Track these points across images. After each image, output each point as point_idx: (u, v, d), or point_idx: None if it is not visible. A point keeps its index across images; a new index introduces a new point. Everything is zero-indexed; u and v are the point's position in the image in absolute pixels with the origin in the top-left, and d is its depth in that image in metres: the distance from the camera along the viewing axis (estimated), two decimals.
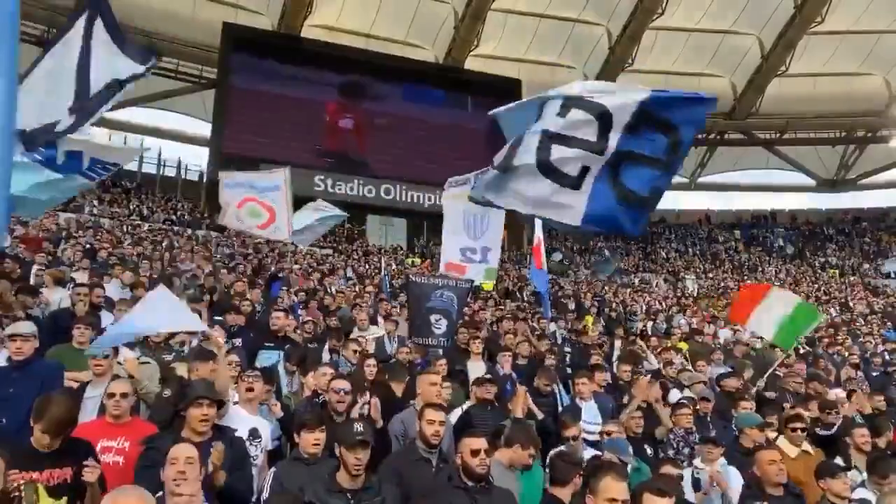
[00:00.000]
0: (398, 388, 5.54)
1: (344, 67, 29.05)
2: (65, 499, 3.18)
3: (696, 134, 4.44)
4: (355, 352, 6.40)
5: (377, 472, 3.62)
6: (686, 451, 5.21)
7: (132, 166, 29.82)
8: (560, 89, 4.43)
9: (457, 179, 9.15)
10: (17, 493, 2.87)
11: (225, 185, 9.68)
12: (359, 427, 3.35)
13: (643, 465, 4.69)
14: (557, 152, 4.26)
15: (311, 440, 3.69)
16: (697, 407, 5.92)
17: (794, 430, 5.06)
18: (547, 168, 4.30)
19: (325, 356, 6.67)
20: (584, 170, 4.28)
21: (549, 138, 4.26)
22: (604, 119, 4.15)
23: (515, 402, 5.14)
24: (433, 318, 7.35)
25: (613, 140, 4.14)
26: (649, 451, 5.24)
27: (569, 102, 4.25)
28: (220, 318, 7.38)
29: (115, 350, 4.71)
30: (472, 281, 8.53)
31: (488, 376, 5.65)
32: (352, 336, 7.39)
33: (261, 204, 9.32)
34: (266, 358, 6.20)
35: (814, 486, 4.10)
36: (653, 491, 2.95)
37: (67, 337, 5.19)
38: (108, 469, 3.52)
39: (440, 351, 7.02)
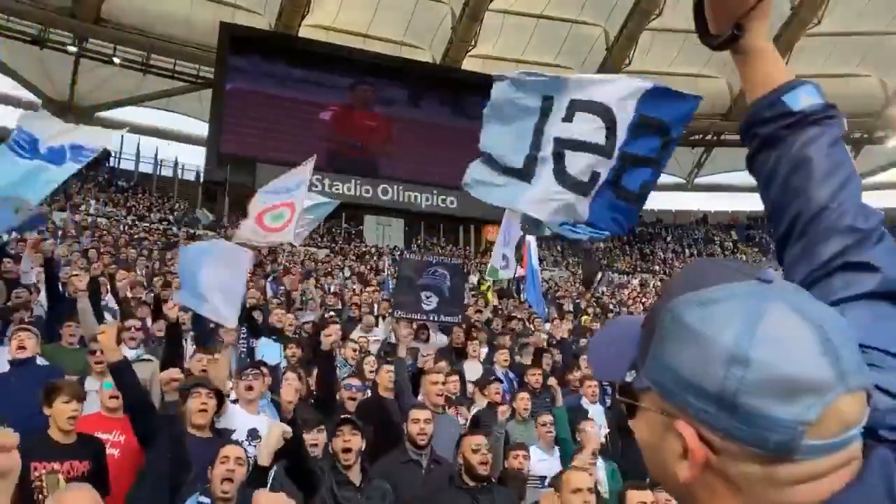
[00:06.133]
0: None
1: (342, 67, 29.03)
2: None
3: (684, 130, 4.51)
4: (355, 351, 6.42)
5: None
6: None
7: (129, 166, 29.84)
8: (559, 83, 4.28)
9: None
10: (38, 483, 2.91)
11: (263, 193, 9.09)
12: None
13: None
14: (571, 158, 4.21)
15: (308, 441, 3.71)
16: None
17: None
18: (563, 178, 4.26)
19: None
20: (595, 175, 4.23)
21: (560, 144, 4.19)
22: (608, 117, 4.10)
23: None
24: (424, 294, 7.41)
25: (619, 142, 4.08)
26: None
27: (573, 105, 4.18)
28: None
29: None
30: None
31: (493, 377, 5.70)
32: (351, 336, 7.39)
33: (285, 205, 8.92)
34: (267, 350, 6.21)
35: None
36: (633, 486, 3.36)
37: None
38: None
39: (429, 327, 7.20)
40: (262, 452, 3.01)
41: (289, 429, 3.08)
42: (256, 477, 2.94)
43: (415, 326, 7.60)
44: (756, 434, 0.56)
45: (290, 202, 8.63)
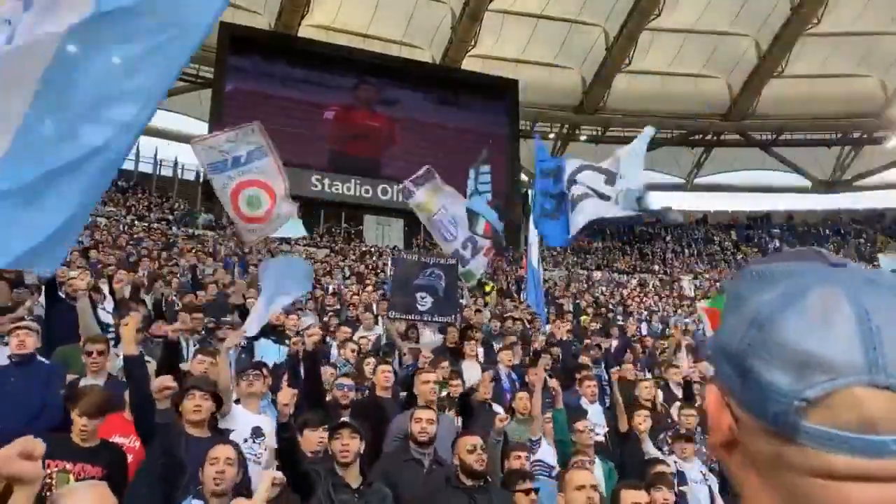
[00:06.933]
0: None
1: (341, 67, 29.03)
2: None
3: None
4: (353, 351, 6.42)
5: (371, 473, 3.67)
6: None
7: (128, 165, 29.78)
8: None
9: (410, 188, 9.09)
10: (48, 480, 2.92)
11: (209, 168, 7.26)
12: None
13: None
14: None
15: (315, 439, 3.75)
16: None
17: None
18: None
19: (334, 354, 6.72)
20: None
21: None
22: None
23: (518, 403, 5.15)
24: (419, 295, 7.41)
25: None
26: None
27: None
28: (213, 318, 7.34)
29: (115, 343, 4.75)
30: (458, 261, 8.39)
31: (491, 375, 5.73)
32: (353, 337, 7.38)
33: (255, 184, 7.17)
34: (266, 350, 6.21)
35: None
36: (628, 486, 3.41)
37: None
38: None
39: (425, 328, 7.31)
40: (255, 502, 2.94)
41: (280, 475, 3.02)
42: None
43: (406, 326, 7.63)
44: (759, 402, 0.53)
45: (262, 181, 7.28)
